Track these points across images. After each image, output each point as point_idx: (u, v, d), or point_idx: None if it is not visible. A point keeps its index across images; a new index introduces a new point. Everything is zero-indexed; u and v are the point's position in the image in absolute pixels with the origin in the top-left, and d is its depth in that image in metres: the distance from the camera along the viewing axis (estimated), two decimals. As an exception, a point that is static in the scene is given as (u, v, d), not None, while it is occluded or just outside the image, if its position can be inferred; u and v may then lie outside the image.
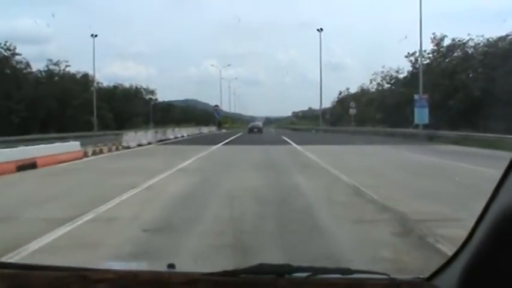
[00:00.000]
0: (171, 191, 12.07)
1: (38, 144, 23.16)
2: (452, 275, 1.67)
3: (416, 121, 44.80)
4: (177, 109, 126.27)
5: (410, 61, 70.79)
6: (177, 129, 47.99)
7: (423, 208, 9.66)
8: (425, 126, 44.16)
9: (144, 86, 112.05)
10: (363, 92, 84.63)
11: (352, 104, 63.00)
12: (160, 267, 2.13)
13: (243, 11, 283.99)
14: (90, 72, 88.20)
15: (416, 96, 45.47)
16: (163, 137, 40.00)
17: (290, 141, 37.72)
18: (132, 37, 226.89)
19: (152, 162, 20.97)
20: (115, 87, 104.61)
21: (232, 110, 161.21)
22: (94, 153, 25.07)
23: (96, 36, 69.91)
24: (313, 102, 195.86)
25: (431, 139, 40.20)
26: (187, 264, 5.86)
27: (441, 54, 68.05)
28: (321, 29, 68.81)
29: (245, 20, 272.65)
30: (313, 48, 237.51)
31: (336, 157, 22.88)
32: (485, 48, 59.77)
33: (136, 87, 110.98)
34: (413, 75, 69.42)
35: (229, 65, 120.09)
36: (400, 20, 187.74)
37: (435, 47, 68.01)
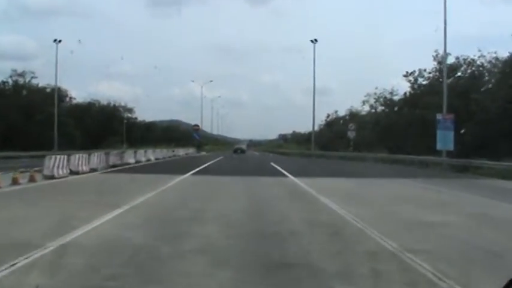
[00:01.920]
0: None
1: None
2: None
3: (439, 146, 35.13)
4: (158, 129, 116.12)
5: (409, 81, 63.10)
6: (141, 151, 37.45)
7: None
8: (449, 153, 34.65)
9: (123, 104, 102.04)
10: (353, 115, 77.59)
11: (352, 125, 53.22)
12: None
13: (228, 34, 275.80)
14: (72, 89, 79.75)
15: (439, 116, 35.95)
16: (118, 161, 29.71)
17: (283, 171, 27.77)
18: (119, 57, 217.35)
19: (42, 214, 10.79)
20: (90, 104, 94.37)
21: (215, 132, 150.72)
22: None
23: (60, 41, 59.20)
24: (297, 126, 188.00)
25: (463, 170, 30.80)
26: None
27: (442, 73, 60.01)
28: (315, 40, 59.23)
29: (230, 43, 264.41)
30: (297, 72, 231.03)
31: (377, 208, 12.90)
32: (500, 65, 51.65)
33: (114, 105, 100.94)
34: (413, 95, 61.44)
35: (211, 81, 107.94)
36: (388, 42, 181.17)
37: (437, 66, 60.11)
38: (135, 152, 35.87)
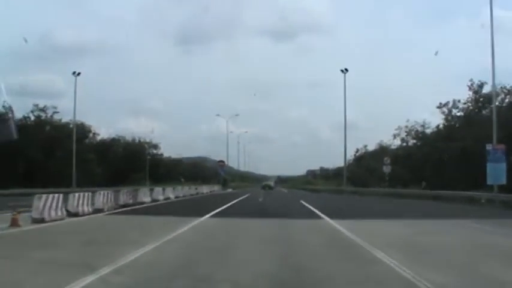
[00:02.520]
0: None
1: None
2: None
3: (490, 181, 31.11)
4: (185, 166, 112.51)
5: (443, 112, 59.39)
6: (158, 189, 33.83)
7: None
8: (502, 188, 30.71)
9: (148, 140, 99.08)
10: (383, 149, 73.63)
11: (387, 159, 48.85)
12: None
13: (255, 70, 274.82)
14: (100, 126, 77.59)
15: (488, 147, 31.87)
16: (129, 201, 26.16)
17: (316, 211, 23.92)
18: (146, 94, 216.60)
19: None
20: (114, 140, 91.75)
21: (243, 168, 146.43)
22: None
23: (79, 74, 57.08)
24: (325, 161, 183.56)
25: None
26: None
27: (481, 103, 56.05)
28: (346, 70, 55.72)
29: (257, 79, 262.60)
30: (324, 107, 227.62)
31: (460, 269, 8.85)
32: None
33: (139, 141, 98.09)
34: (448, 127, 57.53)
35: (237, 115, 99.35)
36: (415, 76, 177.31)
37: (473, 95, 56.30)
38: (152, 190, 32.36)
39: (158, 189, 33.35)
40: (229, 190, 69.10)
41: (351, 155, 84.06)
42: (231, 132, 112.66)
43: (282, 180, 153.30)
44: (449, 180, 47.66)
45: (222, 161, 74.18)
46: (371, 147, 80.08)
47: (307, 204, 29.72)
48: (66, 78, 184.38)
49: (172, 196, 36.05)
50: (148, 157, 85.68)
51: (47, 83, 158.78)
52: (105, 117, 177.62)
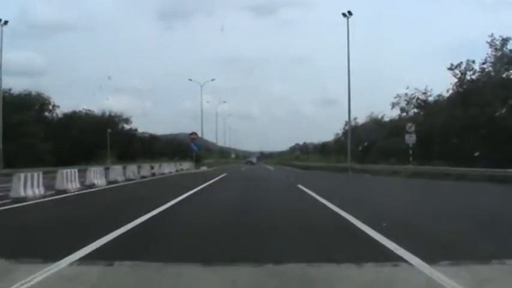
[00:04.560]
0: None
1: None
2: None
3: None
4: (162, 142, 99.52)
5: (455, 75, 48.41)
6: (65, 172, 18.80)
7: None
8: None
9: (118, 114, 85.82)
10: (374, 121, 65.06)
11: (410, 126, 35.26)
12: None
13: (236, 46, 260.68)
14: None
15: None
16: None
17: (354, 221, 10.31)
18: (127, 71, 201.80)
19: None
20: (74, 113, 77.78)
21: (223, 144, 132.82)
22: None
23: (6, 22, 42.81)
24: (307, 137, 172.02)
25: None
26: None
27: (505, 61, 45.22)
28: (349, 13, 41.97)
29: (238, 55, 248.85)
30: (304, 83, 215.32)
31: None
32: None
33: (110, 115, 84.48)
34: (464, 92, 46.58)
35: (213, 80, 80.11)
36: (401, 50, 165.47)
37: (494, 53, 45.91)
38: (67, 174, 18.30)
39: (66, 172, 18.79)
40: (204, 168, 55.37)
41: (339, 128, 74.79)
42: (207, 102, 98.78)
43: (265, 156, 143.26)
44: (467, 152, 38.81)
45: (194, 133, 57.27)
46: (360, 120, 68.65)
47: (319, 198, 15.83)
48: (45, 56, 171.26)
49: (101, 182, 22.10)
50: (109, 130, 71.72)
51: (26, 62, 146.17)
52: (85, 95, 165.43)
